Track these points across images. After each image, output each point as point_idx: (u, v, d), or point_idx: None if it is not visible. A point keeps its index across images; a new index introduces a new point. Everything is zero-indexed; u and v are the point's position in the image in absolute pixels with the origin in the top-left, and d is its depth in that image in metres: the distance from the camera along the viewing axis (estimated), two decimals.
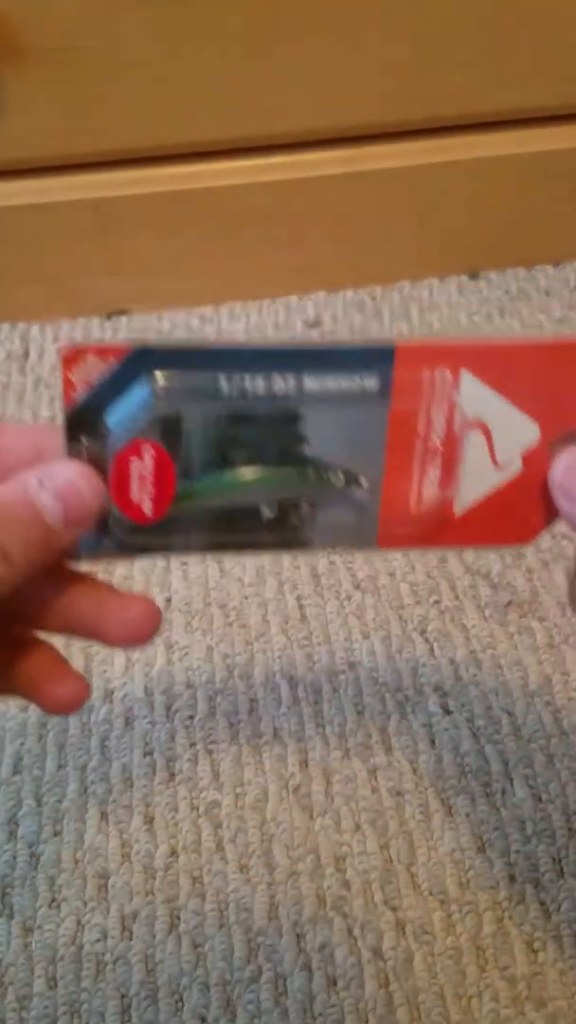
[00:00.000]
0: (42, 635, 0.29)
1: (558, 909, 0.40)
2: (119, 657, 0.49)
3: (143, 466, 0.25)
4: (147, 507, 0.26)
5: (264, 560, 0.52)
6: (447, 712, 0.46)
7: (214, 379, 0.25)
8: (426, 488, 0.27)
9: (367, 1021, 0.38)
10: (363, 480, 0.26)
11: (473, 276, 0.68)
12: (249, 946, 0.40)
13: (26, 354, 0.65)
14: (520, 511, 0.27)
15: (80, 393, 0.25)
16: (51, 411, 0.62)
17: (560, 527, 0.55)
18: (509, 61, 0.59)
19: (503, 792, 0.44)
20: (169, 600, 0.51)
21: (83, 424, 0.25)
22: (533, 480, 0.27)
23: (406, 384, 0.26)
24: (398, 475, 0.27)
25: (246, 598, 0.51)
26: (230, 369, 0.25)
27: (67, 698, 0.28)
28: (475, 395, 0.26)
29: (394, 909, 0.40)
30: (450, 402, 0.26)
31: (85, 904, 0.41)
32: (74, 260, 0.64)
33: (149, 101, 0.58)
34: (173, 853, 0.42)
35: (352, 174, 0.62)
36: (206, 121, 0.59)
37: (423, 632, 0.49)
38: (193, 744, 0.46)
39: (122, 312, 0.67)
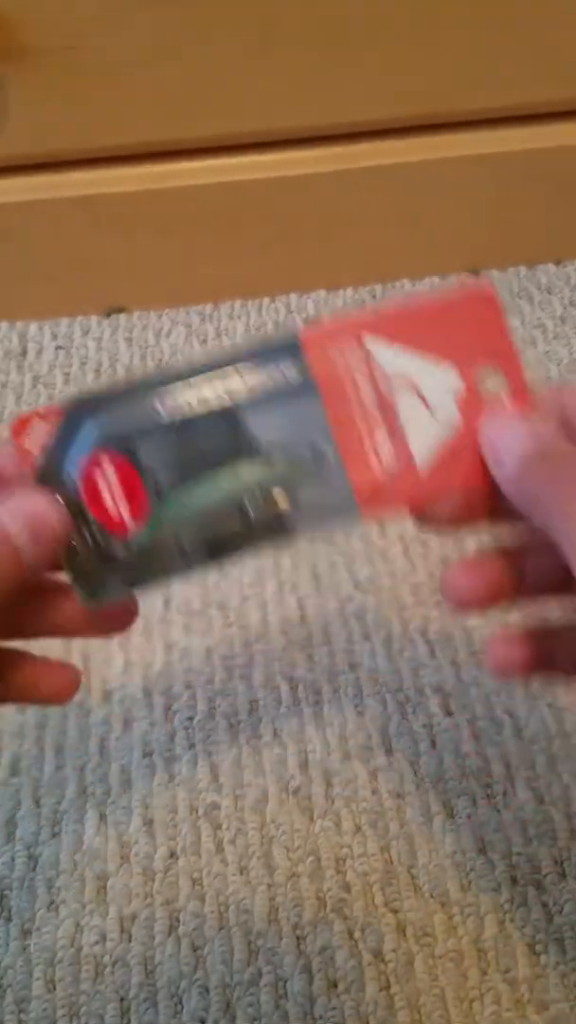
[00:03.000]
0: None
1: (560, 911, 0.40)
2: (117, 658, 0.49)
3: (106, 474, 0.27)
4: (126, 515, 0.28)
5: (264, 561, 0.52)
6: (448, 713, 0.46)
7: (152, 409, 0.28)
8: (381, 451, 0.28)
9: None
10: (326, 451, 0.28)
11: (474, 274, 0.68)
12: (249, 948, 0.39)
13: (24, 352, 0.65)
14: (477, 455, 0.28)
15: (37, 456, 0.28)
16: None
17: None
18: (510, 57, 0.58)
19: (505, 794, 0.43)
20: (168, 601, 0.51)
21: (48, 480, 0.28)
22: (474, 425, 0.29)
23: (322, 365, 0.28)
24: (351, 446, 0.28)
25: (246, 599, 0.51)
26: (162, 395, 0.28)
27: (63, 685, 0.30)
28: (387, 357, 0.28)
29: (395, 911, 0.40)
30: (368, 368, 0.28)
31: (84, 906, 0.41)
32: (72, 258, 0.64)
33: (148, 99, 0.58)
34: (172, 855, 0.42)
35: (353, 171, 0.62)
36: (204, 118, 0.59)
37: (424, 633, 0.49)
38: (192, 745, 0.45)
39: (120, 310, 0.67)
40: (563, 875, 0.41)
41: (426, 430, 0.28)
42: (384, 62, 0.58)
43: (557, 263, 0.69)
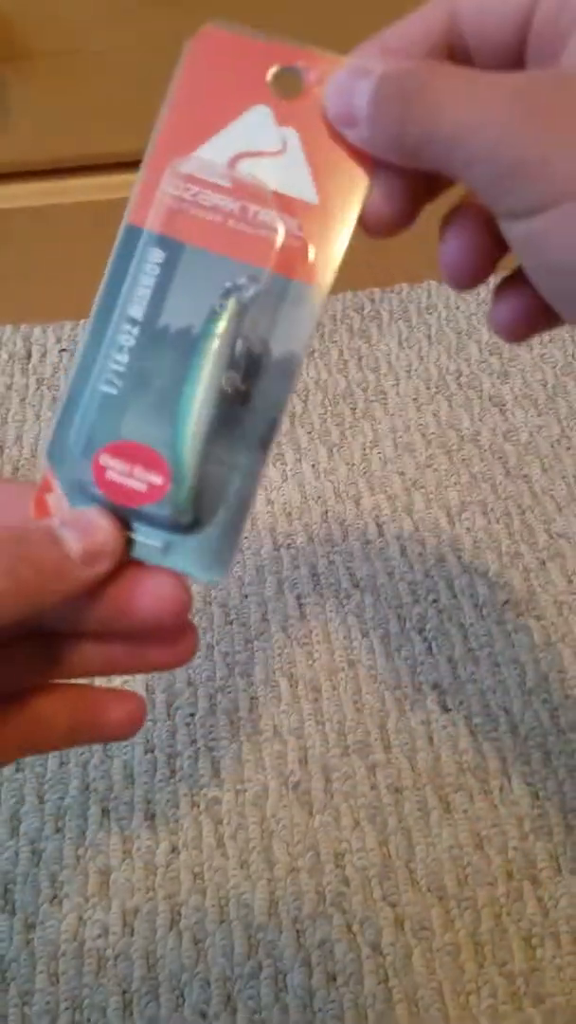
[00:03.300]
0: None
1: (556, 905, 0.40)
2: None
3: (114, 467, 0.26)
4: (154, 479, 0.26)
5: (263, 559, 0.53)
6: (445, 710, 0.47)
7: (97, 392, 0.27)
8: (279, 227, 0.27)
9: (366, 1017, 0.38)
10: (239, 280, 0.27)
11: None
12: (249, 942, 0.40)
13: (28, 355, 0.66)
14: (348, 145, 0.26)
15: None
16: (54, 411, 0.62)
17: (558, 526, 0.55)
18: None
19: (501, 789, 0.44)
20: None
21: None
22: (318, 127, 0.27)
23: (166, 223, 0.27)
24: (250, 251, 0.27)
25: (246, 596, 0.51)
26: (99, 376, 0.27)
27: (125, 718, 0.28)
28: (204, 159, 0.27)
29: (393, 905, 0.41)
30: (199, 183, 0.27)
31: (87, 900, 0.41)
32: (77, 262, 0.64)
33: (150, 104, 0.58)
34: (174, 850, 0.43)
35: None
36: None
37: (421, 631, 0.50)
38: (194, 741, 0.46)
39: None
40: (559, 870, 0.41)
41: (293, 171, 0.27)
42: None
43: None
